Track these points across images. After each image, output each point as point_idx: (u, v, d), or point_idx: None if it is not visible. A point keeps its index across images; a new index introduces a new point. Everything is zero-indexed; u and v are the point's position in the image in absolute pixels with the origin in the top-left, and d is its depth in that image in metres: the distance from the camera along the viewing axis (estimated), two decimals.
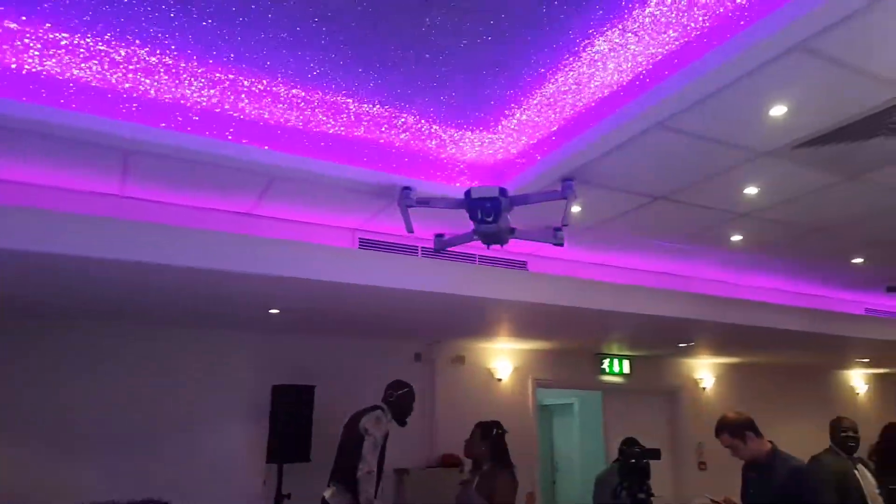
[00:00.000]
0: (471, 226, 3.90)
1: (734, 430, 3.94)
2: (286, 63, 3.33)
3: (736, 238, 5.70)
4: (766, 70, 3.16)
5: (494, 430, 4.74)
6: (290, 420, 5.58)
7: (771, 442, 3.87)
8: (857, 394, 10.87)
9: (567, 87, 3.62)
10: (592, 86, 3.62)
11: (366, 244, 5.18)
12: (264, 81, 3.49)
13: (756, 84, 3.28)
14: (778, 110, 3.53)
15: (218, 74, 3.42)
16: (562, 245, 4.35)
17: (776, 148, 3.99)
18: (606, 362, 8.19)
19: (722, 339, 7.40)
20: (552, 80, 3.56)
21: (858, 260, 6.41)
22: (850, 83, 3.29)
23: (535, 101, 3.75)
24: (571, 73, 3.50)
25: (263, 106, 3.70)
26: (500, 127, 4.01)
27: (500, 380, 7.42)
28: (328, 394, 5.92)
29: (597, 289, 5.67)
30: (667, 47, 3.29)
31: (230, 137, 3.98)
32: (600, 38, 3.21)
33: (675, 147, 3.95)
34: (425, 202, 4.17)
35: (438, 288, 4.85)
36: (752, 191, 4.63)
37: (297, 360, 6.24)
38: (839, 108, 3.54)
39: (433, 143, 4.15)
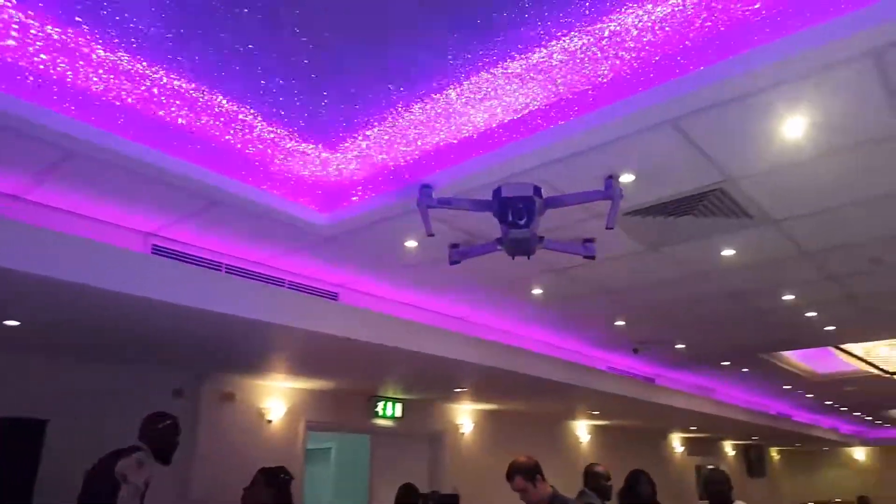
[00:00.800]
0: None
1: (527, 473, 3.94)
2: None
3: (537, 291, 5.91)
4: (628, 140, 3.29)
5: (280, 476, 4.23)
6: (10, 461, 4.30)
7: (552, 486, 3.95)
8: (581, 442, 12.10)
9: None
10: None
11: (161, 252, 4.27)
12: (70, 31, 2.67)
13: (613, 151, 3.40)
14: (627, 178, 3.69)
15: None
16: (594, 258, 4.23)
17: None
18: (381, 405, 7.92)
19: (488, 383, 7.65)
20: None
21: (621, 322, 7.10)
22: (692, 162, 3.56)
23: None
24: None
25: (60, 56, 2.83)
26: (341, 147, 3.62)
27: (270, 421, 6.70)
28: (64, 431, 4.71)
29: (386, 325, 5.38)
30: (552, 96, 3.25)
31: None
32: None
33: None
34: (446, 202, 3.69)
35: (240, 311, 4.15)
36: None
37: (25, 388, 4.90)
38: (676, 184, 3.83)
39: (267, 149, 3.58)
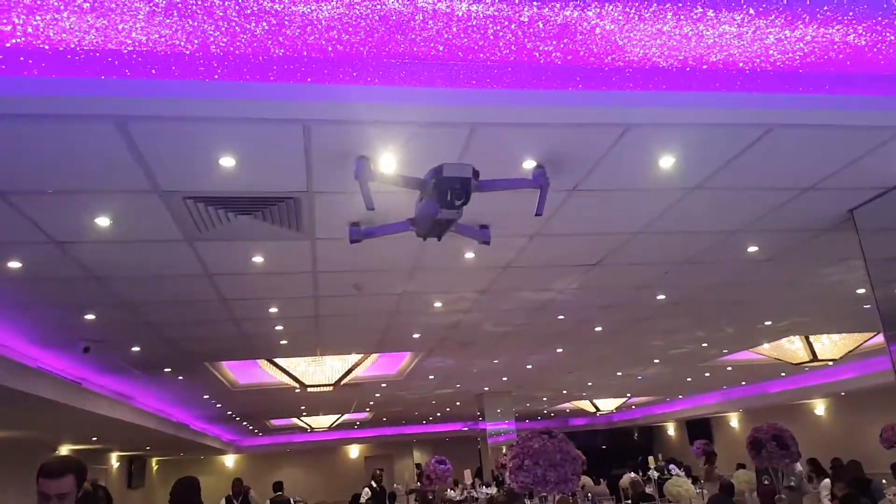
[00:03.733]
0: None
1: None
2: None
3: (14, 265, 4.75)
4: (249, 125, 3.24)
5: None
6: None
7: None
8: None
9: None
10: None
11: None
12: None
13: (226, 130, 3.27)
14: (227, 161, 3.52)
15: None
16: (488, 243, 4.22)
17: (177, 190, 3.85)
18: None
19: None
20: None
21: (91, 316, 6.30)
22: (291, 166, 3.66)
23: None
24: None
25: None
26: None
27: None
28: None
29: None
30: None
31: None
32: None
33: None
34: (384, 177, 3.53)
35: None
36: (103, 222, 4.16)
37: None
38: (268, 182, 3.83)
39: None
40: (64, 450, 13.87)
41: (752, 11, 3.13)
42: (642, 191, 4.37)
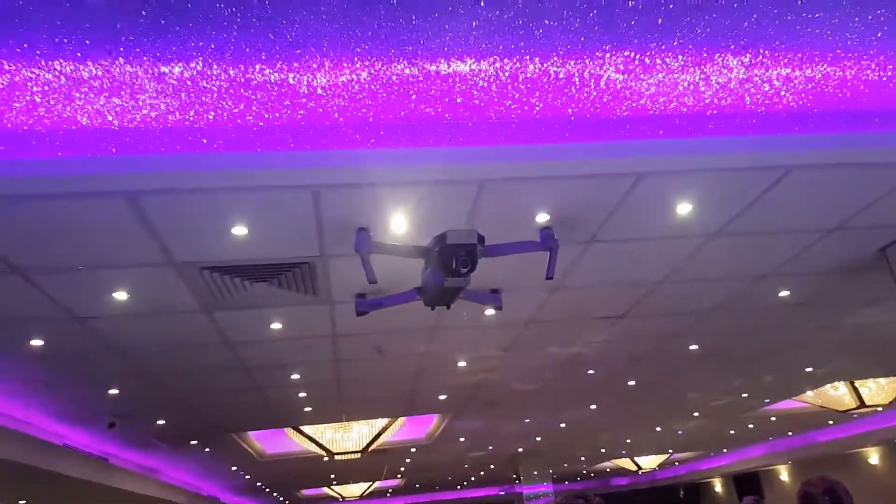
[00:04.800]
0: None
1: None
2: None
3: (36, 343, 4.79)
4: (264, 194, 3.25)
5: None
6: None
7: None
8: None
9: None
10: None
11: None
12: None
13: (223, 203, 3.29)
14: (239, 230, 3.53)
15: None
16: (500, 309, 4.22)
17: (192, 261, 3.86)
18: None
19: None
20: None
21: (115, 391, 6.29)
22: (304, 232, 3.66)
23: None
24: None
25: None
26: None
27: None
28: None
29: None
30: None
31: None
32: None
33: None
34: (386, 248, 3.42)
35: None
36: (122, 296, 4.18)
37: None
38: (282, 249, 3.83)
39: None
40: None
41: (761, 52, 3.10)
42: (661, 239, 4.28)
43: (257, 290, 4.36)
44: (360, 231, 3.44)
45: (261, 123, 3.04)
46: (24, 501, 9.05)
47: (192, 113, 2.99)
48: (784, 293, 5.60)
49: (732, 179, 3.61)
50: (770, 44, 3.04)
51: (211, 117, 2.99)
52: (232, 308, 4.63)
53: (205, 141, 3.05)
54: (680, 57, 3.06)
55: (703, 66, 3.12)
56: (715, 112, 3.34)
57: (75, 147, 2.97)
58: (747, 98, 3.29)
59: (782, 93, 3.31)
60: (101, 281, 3.97)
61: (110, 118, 2.96)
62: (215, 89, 2.88)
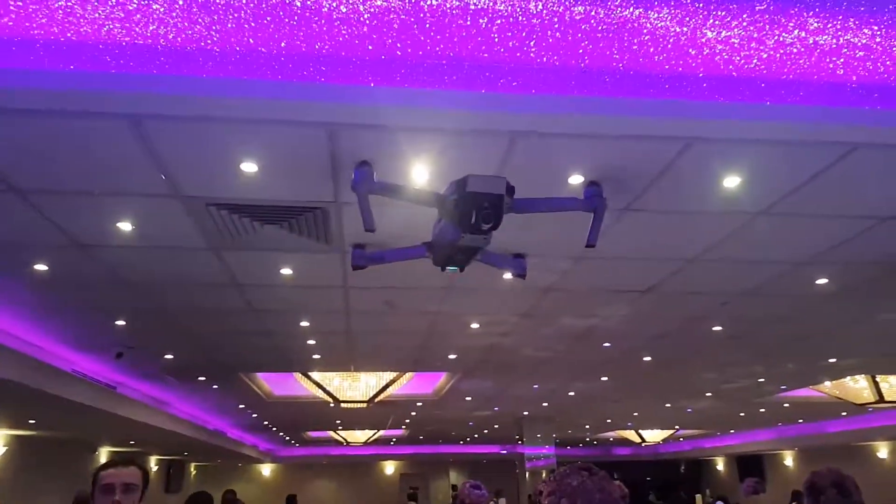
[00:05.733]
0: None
1: None
2: None
3: (41, 267, 4.64)
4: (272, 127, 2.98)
5: None
6: None
7: None
8: None
9: None
10: None
11: None
12: None
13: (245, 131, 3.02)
14: (248, 167, 3.29)
15: None
16: (524, 277, 3.37)
17: (199, 196, 3.64)
18: None
19: None
20: None
21: (121, 322, 6.19)
22: (319, 174, 3.40)
23: None
24: None
25: None
26: None
27: None
28: None
29: None
30: None
31: None
32: None
33: None
34: (390, 189, 2.71)
35: None
36: (126, 226, 3.99)
37: None
38: (294, 191, 3.59)
39: None
40: (103, 451, 13.99)
41: (836, 17, 2.74)
42: (702, 214, 3.97)
43: (267, 233, 4.14)
44: (360, 165, 2.87)
45: (281, 53, 2.76)
46: (34, 421, 9.16)
47: (204, 33, 2.72)
48: (822, 281, 5.28)
49: (790, 153, 3.28)
50: (847, 8, 2.68)
51: (220, 40, 2.72)
52: (241, 249, 4.43)
53: (219, 66, 2.78)
54: (745, 15, 2.71)
55: (771, 27, 2.77)
56: (782, 77, 2.99)
57: (74, 60, 2.72)
58: (814, 65, 2.93)
59: (854, 62, 2.95)
60: (104, 208, 3.77)
61: (116, 30, 2.70)
62: (232, 9, 2.60)
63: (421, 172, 3.27)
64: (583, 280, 5.19)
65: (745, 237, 4.29)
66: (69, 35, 2.70)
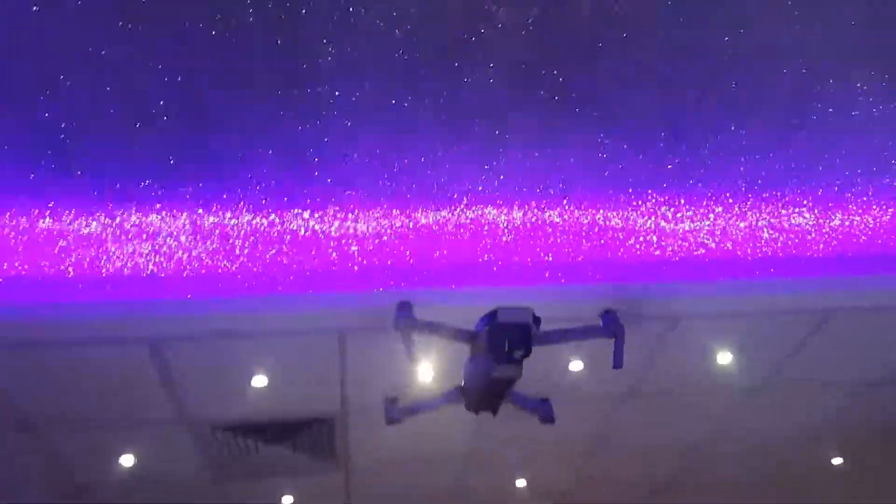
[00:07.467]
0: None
1: None
2: None
3: None
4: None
5: None
6: None
7: None
8: None
9: None
10: None
11: None
12: None
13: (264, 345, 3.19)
14: (260, 380, 3.39)
15: None
16: (553, 422, 3.22)
17: (201, 419, 3.67)
18: None
19: None
20: None
21: None
22: (325, 383, 3.49)
23: None
24: None
25: None
26: None
27: None
28: None
29: None
30: None
31: None
32: None
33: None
34: (432, 327, 2.88)
35: None
36: (129, 460, 3.92)
37: None
38: (298, 403, 3.64)
39: None
40: None
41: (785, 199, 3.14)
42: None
43: (269, 453, 4.07)
44: (402, 304, 3.00)
45: (292, 270, 3.03)
46: None
47: (220, 258, 3.00)
48: (837, 460, 5.17)
49: (771, 324, 3.49)
50: (793, 192, 3.10)
51: (239, 264, 2.99)
52: (241, 478, 4.30)
53: (235, 286, 3.03)
54: (707, 203, 3.11)
55: (731, 211, 3.16)
56: (748, 257, 3.32)
57: (98, 293, 2.93)
58: (768, 243, 3.29)
59: (809, 237, 3.32)
60: (110, 441, 3.72)
61: (141, 264, 2.96)
62: (245, 236, 2.92)
63: (426, 371, 3.39)
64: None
65: (741, 417, 4.32)
66: (94, 270, 2.94)
